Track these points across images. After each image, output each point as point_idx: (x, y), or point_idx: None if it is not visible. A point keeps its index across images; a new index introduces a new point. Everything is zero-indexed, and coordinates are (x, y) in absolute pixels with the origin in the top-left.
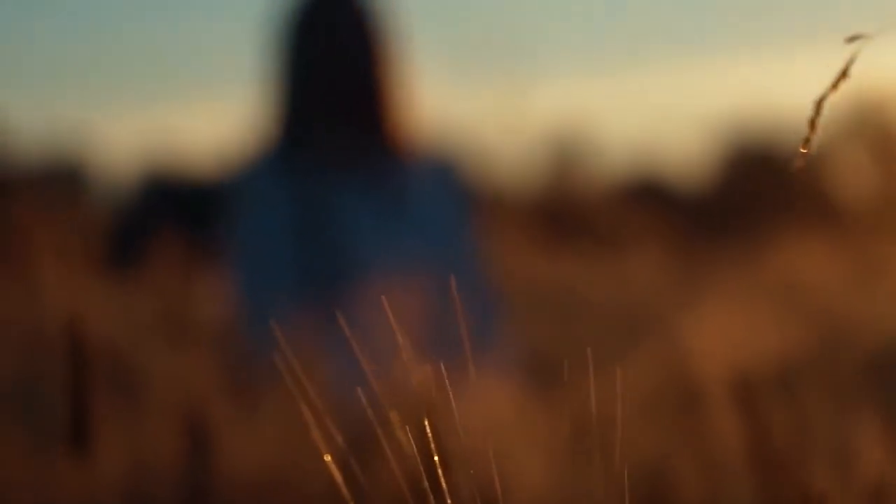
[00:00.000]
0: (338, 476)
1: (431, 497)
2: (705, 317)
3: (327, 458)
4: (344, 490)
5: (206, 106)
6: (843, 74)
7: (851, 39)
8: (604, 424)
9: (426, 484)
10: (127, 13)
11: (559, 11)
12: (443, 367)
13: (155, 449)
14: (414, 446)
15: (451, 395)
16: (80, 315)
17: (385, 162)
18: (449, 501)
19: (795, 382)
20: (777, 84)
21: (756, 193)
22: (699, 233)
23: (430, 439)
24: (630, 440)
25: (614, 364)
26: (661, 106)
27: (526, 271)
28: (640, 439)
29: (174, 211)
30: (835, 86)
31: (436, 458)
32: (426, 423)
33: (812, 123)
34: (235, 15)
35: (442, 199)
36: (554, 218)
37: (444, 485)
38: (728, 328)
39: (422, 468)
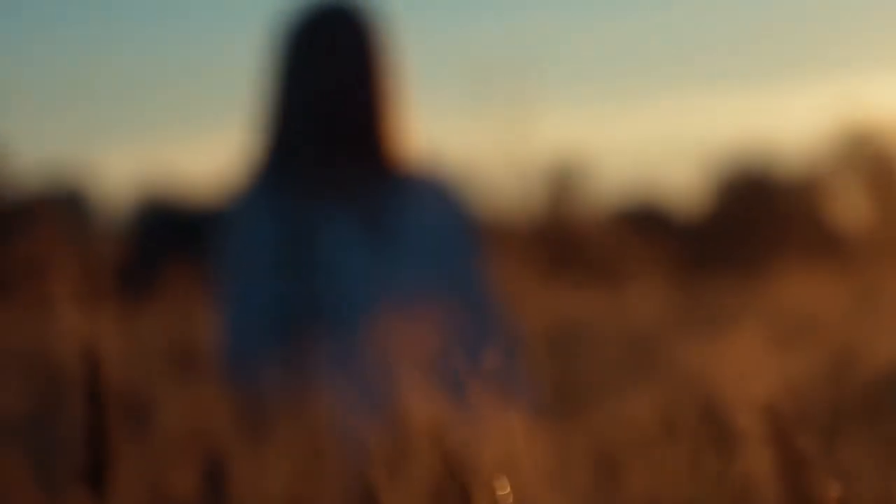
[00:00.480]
0: None
1: None
2: (711, 346)
3: None
4: None
5: (207, 134)
6: None
7: None
8: (624, 458)
9: None
10: (129, 41)
11: (563, 42)
12: (452, 400)
13: (171, 484)
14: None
15: (464, 428)
16: (94, 347)
17: (382, 188)
18: None
19: (808, 411)
20: (772, 116)
21: (754, 221)
22: (699, 260)
23: (446, 473)
24: (654, 473)
25: (626, 397)
26: (660, 136)
27: (527, 299)
28: (664, 473)
29: (174, 239)
30: None
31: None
32: (439, 454)
33: None
34: (238, 43)
35: (444, 227)
36: (553, 245)
37: None
38: (737, 357)
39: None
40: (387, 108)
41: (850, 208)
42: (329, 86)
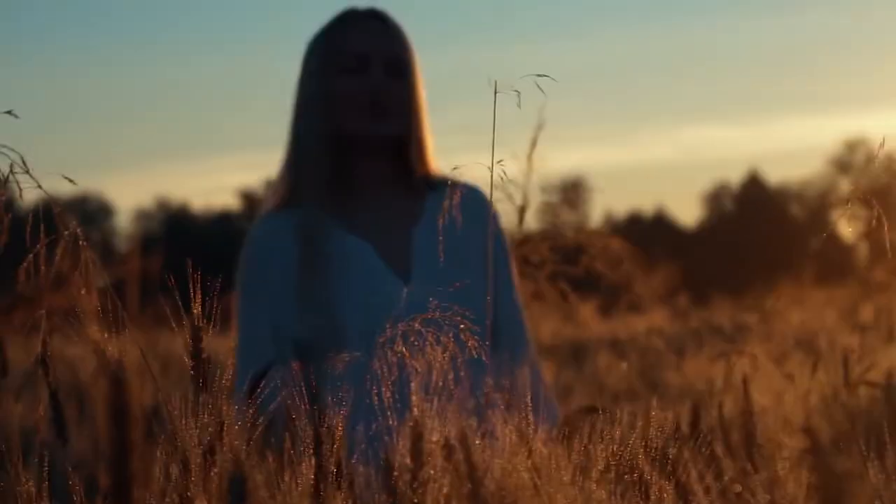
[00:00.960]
0: None
1: None
2: (721, 359)
3: None
4: None
5: (222, 152)
6: None
7: None
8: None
9: None
10: (160, 60)
11: (576, 60)
12: (476, 417)
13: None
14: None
15: (486, 445)
16: (117, 363)
17: (413, 196)
18: None
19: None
20: (776, 140)
21: (759, 237)
22: (704, 274)
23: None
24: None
25: (642, 410)
26: (667, 156)
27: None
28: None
29: (192, 254)
30: None
31: None
32: (460, 473)
33: None
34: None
35: (478, 237)
36: (561, 257)
37: None
38: (748, 369)
39: None
40: (419, 112)
41: (850, 227)
42: (358, 85)
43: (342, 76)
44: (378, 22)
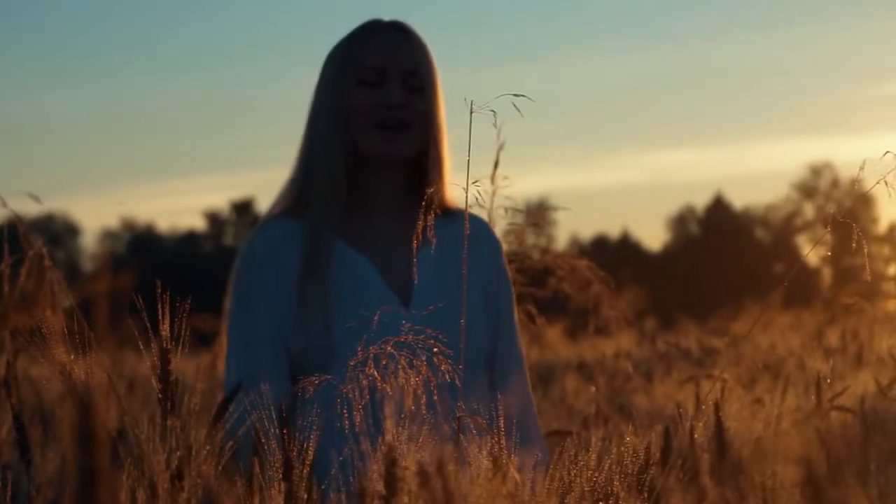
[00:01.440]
0: None
1: None
2: (688, 383)
3: None
4: None
5: (191, 172)
6: None
7: None
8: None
9: None
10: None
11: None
12: (453, 442)
13: None
14: None
15: (464, 469)
16: (85, 385)
17: (421, 219)
18: None
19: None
20: (743, 166)
21: (724, 260)
22: (671, 297)
23: None
24: None
25: (616, 434)
26: (633, 183)
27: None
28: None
29: (161, 274)
30: None
31: None
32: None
33: None
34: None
35: (484, 265)
36: (529, 281)
37: None
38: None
39: None
40: (436, 129)
41: (814, 249)
42: (374, 98)
43: (359, 89)
44: (399, 35)
